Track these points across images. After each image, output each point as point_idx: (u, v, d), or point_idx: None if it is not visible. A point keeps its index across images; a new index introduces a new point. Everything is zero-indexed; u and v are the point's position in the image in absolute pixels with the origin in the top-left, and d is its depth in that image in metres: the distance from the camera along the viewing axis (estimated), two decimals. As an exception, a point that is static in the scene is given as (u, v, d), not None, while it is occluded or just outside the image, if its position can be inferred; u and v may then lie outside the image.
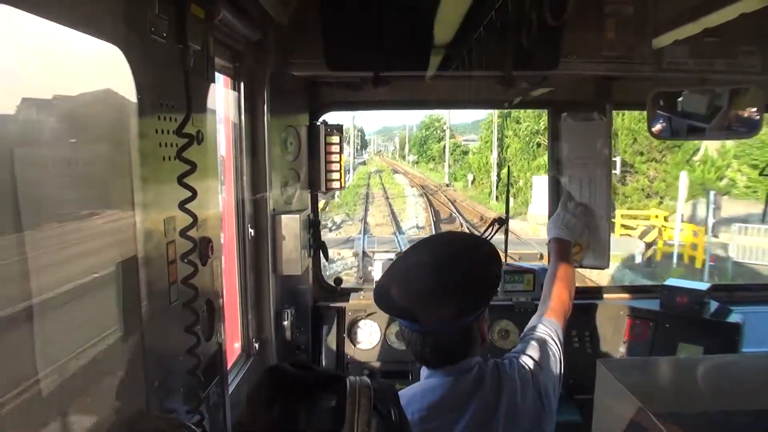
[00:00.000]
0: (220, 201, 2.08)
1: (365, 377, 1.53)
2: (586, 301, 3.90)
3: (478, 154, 51.02)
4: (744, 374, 1.60)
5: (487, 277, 2.08)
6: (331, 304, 3.89)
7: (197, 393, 1.78)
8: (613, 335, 3.76)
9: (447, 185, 56.54)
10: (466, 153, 69.07)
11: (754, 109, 3.36)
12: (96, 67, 1.43)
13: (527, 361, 2.24)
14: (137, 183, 1.45)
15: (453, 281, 2.02)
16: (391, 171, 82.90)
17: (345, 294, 4.02)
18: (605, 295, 3.99)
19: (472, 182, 51.97)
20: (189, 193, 1.64)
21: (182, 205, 1.63)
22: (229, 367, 3.01)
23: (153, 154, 1.56)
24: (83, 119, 1.35)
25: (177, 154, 1.61)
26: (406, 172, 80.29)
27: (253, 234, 3.11)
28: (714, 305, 3.59)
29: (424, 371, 2.16)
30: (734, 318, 3.47)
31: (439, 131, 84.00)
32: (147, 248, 1.50)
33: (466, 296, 2.02)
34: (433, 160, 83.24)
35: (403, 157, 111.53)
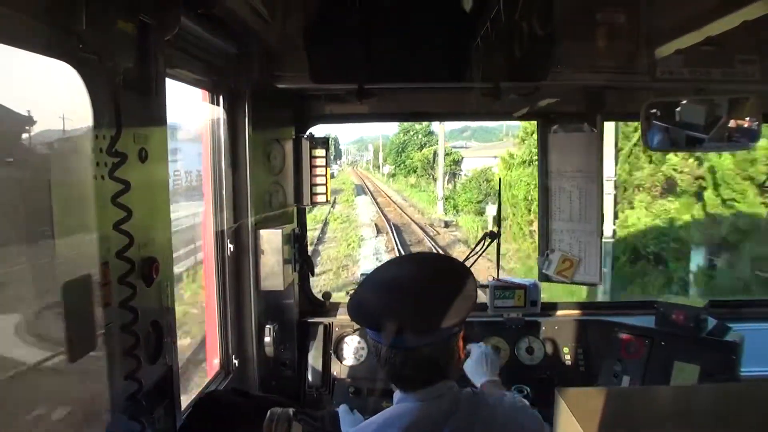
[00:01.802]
0: (172, 218, 2.02)
1: (290, 409, 1.48)
2: (580, 318, 3.79)
3: (521, 168, 22.67)
4: (698, 406, 1.52)
5: (471, 292, 2.02)
6: (318, 320, 3.83)
7: (140, 419, 1.73)
8: (608, 353, 3.63)
9: (446, 225, 30.59)
10: (457, 162, 52.00)
11: (754, 119, 3.25)
12: (21, 84, 1.40)
13: (514, 402, 2.14)
14: (59, 204, 1.41)
15: (442, 291, 1.97)
16: (354, 190, 54.42)
17: (334, 309, 3.96)
18: (600, 311, 3.88)
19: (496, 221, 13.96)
20: (124, 213, 1.60)
21: (116, 226, 1.59)
22: (205, 384, 2.98)
23: (84, 173, 1.52)
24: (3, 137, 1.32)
25: (109, 173, 1.57)
26: (377, 191, 54.36)
27: (232, 249, 3.08)
28: (712, 322, 3.46)
29: (396, 395, 2.08)
30: (733, 336, 3.34)
31: (420, 135, 66.80)
32: (70, 270, 1.45)
33: (452, 307, 1.95)
34: (414, 172, 62.46)
35: (378, 168, 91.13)
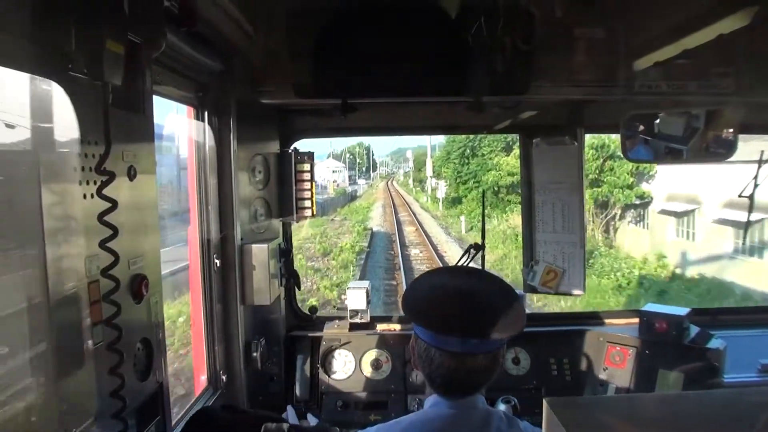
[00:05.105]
0: (159, 234, 2.02)
1: (284, 424, 1.48)
2: (565, 328, 3.82)
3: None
4: (684, 413, 1.54)
5: (523, 311, 2.06)
6: (305, 334, 3.82)
7: None
8: (593, 362, 3.68)
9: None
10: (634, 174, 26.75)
11: (731, 130, 3.32)
12: (10, 104, 1.41)
13: None
14: (50, 222, 1.42)
15: (503, 304, 2.00)
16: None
17: (321, 323, 3.95)
18: (584, 321, 3.92)
19: None
20: (110, 232, 1.60)
21: (102, 244, 1.60)
22: (193, 401, 2.97)
23: (70, 192, 1.52)
24: None
25: (97, 191, 1.58)
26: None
27: (219, 264, 3.07)
28: (694, 330, 3.51)
29: (431, 399, 2.05)
30: (715, 343, 3.39)
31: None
32: (60, 289, 1.46)
33: (510, 320, 1.97)
34: (497, 196, 27.50)
35: (422, 184, 59.47)
